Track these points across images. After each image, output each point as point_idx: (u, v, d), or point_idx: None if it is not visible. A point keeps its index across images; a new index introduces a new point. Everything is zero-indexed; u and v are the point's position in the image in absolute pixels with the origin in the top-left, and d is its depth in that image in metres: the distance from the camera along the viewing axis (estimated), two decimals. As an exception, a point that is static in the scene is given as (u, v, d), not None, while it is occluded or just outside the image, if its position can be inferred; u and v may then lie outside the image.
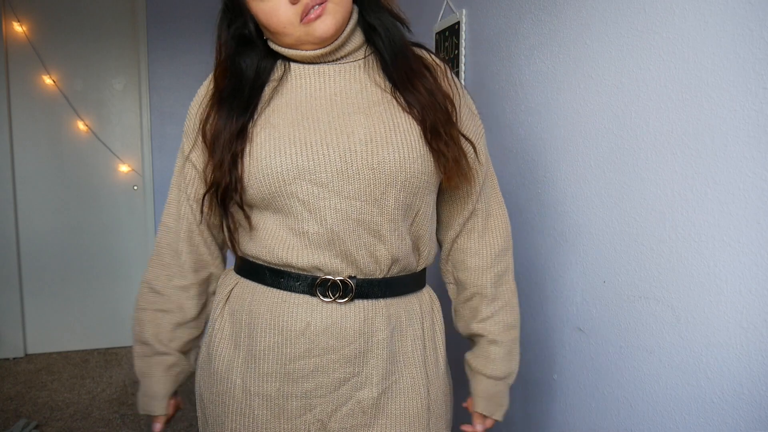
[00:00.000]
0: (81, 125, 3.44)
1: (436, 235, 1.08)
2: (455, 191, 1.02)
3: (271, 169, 0.87)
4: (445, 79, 0.98)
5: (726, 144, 0.90)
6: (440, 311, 1.05)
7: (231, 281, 1.01)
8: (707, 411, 0.95)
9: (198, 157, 0.97)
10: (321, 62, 0.94)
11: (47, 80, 3.37)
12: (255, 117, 0.92)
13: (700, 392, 0.96)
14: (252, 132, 0.91)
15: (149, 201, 3.51)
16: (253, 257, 0.95)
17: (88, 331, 3.53)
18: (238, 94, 0.93)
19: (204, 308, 1.07)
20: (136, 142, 3.52)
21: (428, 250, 1.00)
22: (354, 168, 0.87)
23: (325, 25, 0.87)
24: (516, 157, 1.50)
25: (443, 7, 1.90)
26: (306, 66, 0.94)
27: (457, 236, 1.05)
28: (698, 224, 0.95)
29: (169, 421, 1.07)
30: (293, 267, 0.91)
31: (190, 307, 1.04)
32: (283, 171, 0.87)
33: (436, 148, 0.91)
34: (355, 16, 0.94)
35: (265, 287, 0.94)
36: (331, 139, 0.88)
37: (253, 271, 0.96)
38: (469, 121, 1.00)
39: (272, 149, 0.88)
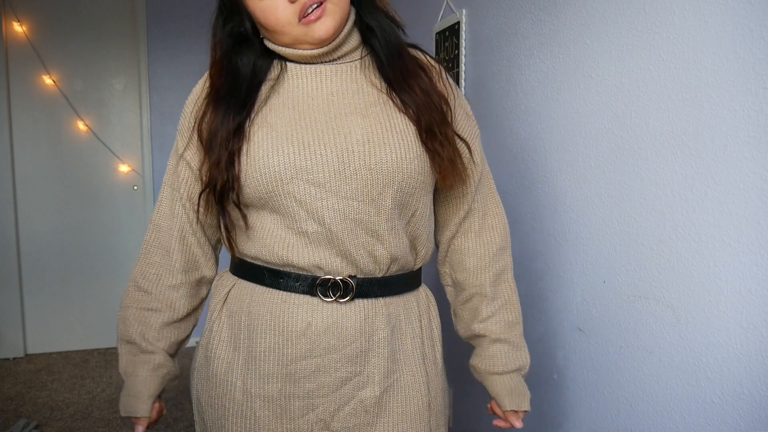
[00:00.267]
0: (81, 125, 3.44)
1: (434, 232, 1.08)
2: (450, 191, 1.02)
3: (269, 168, 0.87)
4: (441, 80, 0.98)
5: (726, 144, 0.90)
6: (436, 309, 1.05)
7: (228, 283, 1.00)
8: (707, 411, 0.95)
9: (193, 156, 0.97)
10: (318, 62, 0.94)
11: (47, 80, 3.37)
12: (252, 116, 0.91)
13: (700, 392, 0.96)
14: (249, 131, 0.90)
15: (149, 201, 3.51)
16: (252, 258, 0.95)
17: (88, 331, 3.52)
18: (234, 92, 0.92)
19: (194, 311, 1.05)
20: (136, 142, 3.52)
21: (425, 249, 1.00)
22: (351, 168, 0.87)
23: (324, 26, 0.88)
24: (516, 157, 1.50)
25: (443, 7, 1.90)
26: (303, 66, 0.94)
27: (453, 237, 1.05)
28: (698, 224, 0.95)
29: (150, 426, 1.04)
30: (293, 266, 0.91)
31: (180, 306, 1.02)
32: (280, 170, 0.87)
33: (432, 148, 0.91)
34: (352, 17, 0.94)
35: (265, 288, 0.94)
36: (328, 139, 0.88)
37: (252, 271, 0.96)
38: (464, 121, 1.01)
39: (270, 148, 0.88)
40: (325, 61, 0.94)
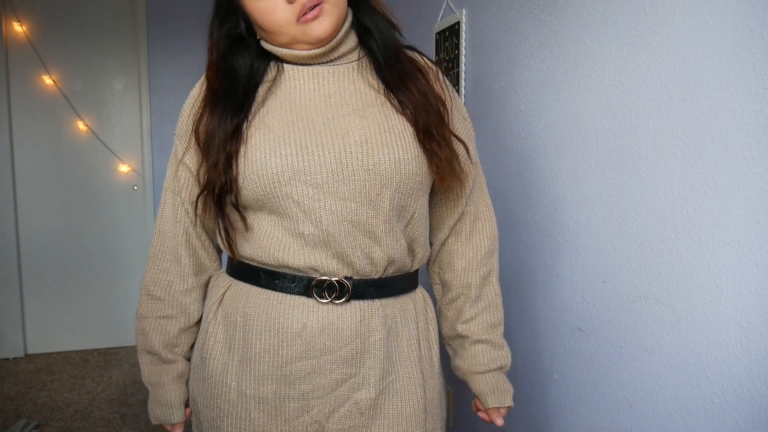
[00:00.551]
0: (81, 125, 3.44)
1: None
2: (447, 193, 1.02)
3: (266, 170, 0.87)
4: (437, 82, 0.98)
5: (726, 144, 0.90)
6: (433, 311, 1.05)
7: (224, 283, 1.00)
8: (707, 411, 0.95)
9: (191, 159, 0.97)
10: (315, 63, 0.94)
11: (47, 80, 3.37)
12: (249, 118, 0.91)
13: (700, 392, 0.96)
14: (247, 133, 0.90)
15: (149, 201, 3.51)
16: (248, 259, 0.95)
17: (88, 331, 3.52)
18: (231, 94, 0.92)
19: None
20: (136, 142, 3.52)
21: (423, 252, 1.00)
22: (349, 169, 0.87)
23: (322, 26, 0.88)
24: (516, 157, 1.50)
25: (443, 7, 1.90)
26: (300, 67, 0.94)
27: (446, 239, 1.06)
28: (698, 224, 0.95)
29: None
30: (289, 267, 0.91)
31: (194, 311, 1.03)
32: (278, 172, 0.87)
33: (429, 149, 0.91)
34: (349, 18, 0.94)
35: (260, 289, 0.94)
36: (326, 141, 0.88)
37: (247, 272, 0.96)
38: (460, 123, 1.01)
39: (267, 150, 0.88)
40: (322, 62, 0.94)
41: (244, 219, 0.92)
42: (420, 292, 1.04)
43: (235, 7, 0.92)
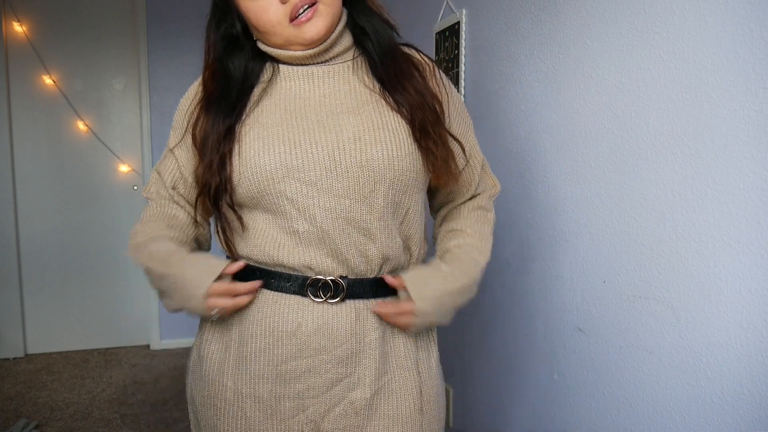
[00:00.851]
0: (81, 125, 3.44)
1: (432, 210, 1.11)
2: (445, 189, 1.04)
3: (260, 167, 0.88)
4: (433, 78, 0.99)
5: (726, 144, 0.90)
6: None
7: None
8: (707, 411, 0.95)
9: (182, 154, 0.98)
10: (310, 63, 0.95)
11: (47, 80, 3.37)
12: (243, 117, 0.92)
13: (700, 392, 0.96)
14: (240, 132, 0.91)
15: (149, 201, 3.51)
16: (244, 258, 0.95)
17: (88, 331, 3.52)
18: (225, 95, 0.94)
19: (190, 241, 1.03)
20: (136, 142, 3.52)
21: (419, 249, 1.00)
22: (343, 166, 0.88)
23: (315, 27, 0.88)
24: (516, 157, 1.50)
25: (443, 7, 1.90)
26: (295, 67, 0.95)
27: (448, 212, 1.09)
28: (698, 224, 0.95)
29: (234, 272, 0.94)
30: (284, 266, 0.91)
31: (186, 237, 1.01)
32: (271, 169, 0.88)
33: (425, 147, 0.92)
34: (344, 18, 0.95)
35: None
36: (319, 138, 0.89)
37: (243, 272, 0.96)
38: (457, 119, 1.02)
39: (261, 148, 0.89)
40: (317, 62, 0.95)
41: (240, 218, 0.93)
42: None
43: (231, 7, 0.93)
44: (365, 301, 0.93)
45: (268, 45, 0.94)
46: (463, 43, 1.75)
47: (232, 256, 0.98)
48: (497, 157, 1.57)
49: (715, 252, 0.92)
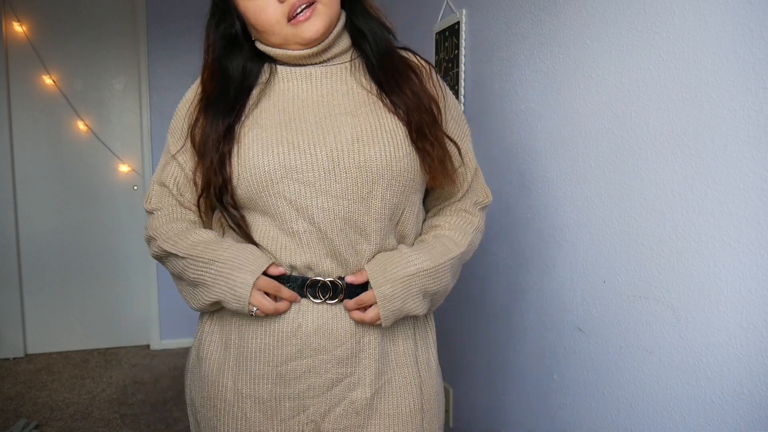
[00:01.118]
0: (81, 125, 3.44)
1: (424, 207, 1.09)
2: (441, 191, 1.03)
3: (259, 168, 0.88)
4: (430, 81, 0.99)
5: (726, 144, 0.90)
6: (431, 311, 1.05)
7: None
8: (707, 411, 0.95)
9: (184, 158, 0.98)
10: (307, 64, 0.95)
11: (47, 80, 3.37)
12: (242, 118, 0.93)
13: (700, 392, 0.96)
14: (239, 133, 0.91)
15: (149, 201, 3.50)
16: None
17: (88, 331, 3.52)
18: (224, 95, 0.94)
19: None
20: (136, 142, 3.52)
21: None
22: (341, 167, 0.88)
23: (314, 26, 0.89)
24: (516, 157, 1.50)
25: (443, 7, 1.90)
26: (293, 68, 0.96)
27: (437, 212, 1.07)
28: (698, 224, 0.95)
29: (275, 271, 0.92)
30: (285, 266, 0.92)
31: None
32: (270, 170, 0.88)
33: (422, 148, 0.92)
34: (342, 20, 0.95)
35: None
36: (318, 139, 0.89)
37: None
38: (454, 122, 1.02)
39: (259, 149, 0.89)
40: (315, 63, 0.95)
41: (243, 218, 0.93)
42: None
43: (230, 7, 0.93)
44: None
45: (267, 45, 0.94)
46: (463, 43, 1.75)
47: None
48: (497, 158, 1.57)
49: (715, 252, 0.92)
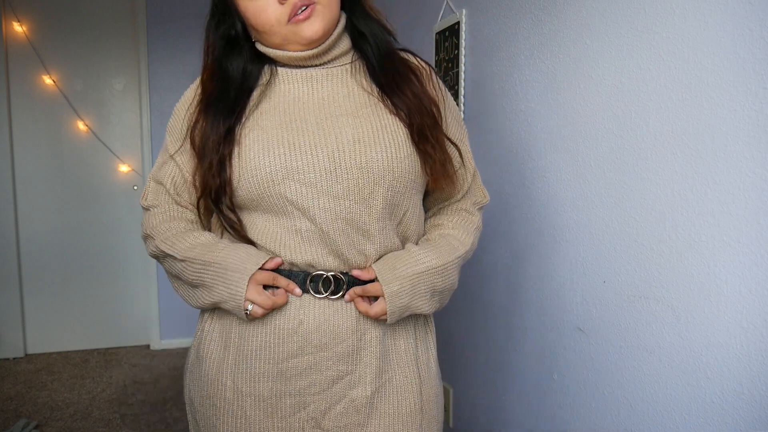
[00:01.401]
0: (81, 125, 3.44)
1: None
2: (441, 193, 1.04)
3: (260, 169, 0.88)
4: (431, 83, 0.99)
5: (726, 144, 0.90)
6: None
7: None
8: (707, 411, 0.95)
9: (183, 159, 0.97)
10: (308, 65, 0.95)
11: (47, 80, 3.37)
12: (243, 120, 0.93)
13: (700, 392, 0.96)
14: (240, 134, 0.91)
15: (149, 201, 3.50)
16: None
17: (88, 331, 3.52)
18: (224, 97, 0.94)
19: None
20: (136, 142, 3.52)
21: None
22: (342, 167, 0.88)
23: (313, 26, 0.89)
24: (516, 157, 1.49)
25: (443, 7, 1.90)
26: (293, 70, 0.96)
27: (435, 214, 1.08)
28: (698, 224, 0.95)
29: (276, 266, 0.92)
30: (286, 262, 0.92)
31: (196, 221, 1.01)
32: (271, 171, 0.88)
33: (423, 150, 0.92)
34: (342, 22, 0.95)
35: None
36: (319, 140, 0.89)
37: None
38: (454, 125, 1.02)
39: (261, 150, 0.89)
40: (316, 65, 0.95)
41: (240, 220, 0.94)
42: None
43: (231, 7, 0.93)
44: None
45: (267, 45, 0.94)
46: (463, 43, 1.75)
47: None
48: (497, 158, 1.57)
49: (715, 252, 0.92)
